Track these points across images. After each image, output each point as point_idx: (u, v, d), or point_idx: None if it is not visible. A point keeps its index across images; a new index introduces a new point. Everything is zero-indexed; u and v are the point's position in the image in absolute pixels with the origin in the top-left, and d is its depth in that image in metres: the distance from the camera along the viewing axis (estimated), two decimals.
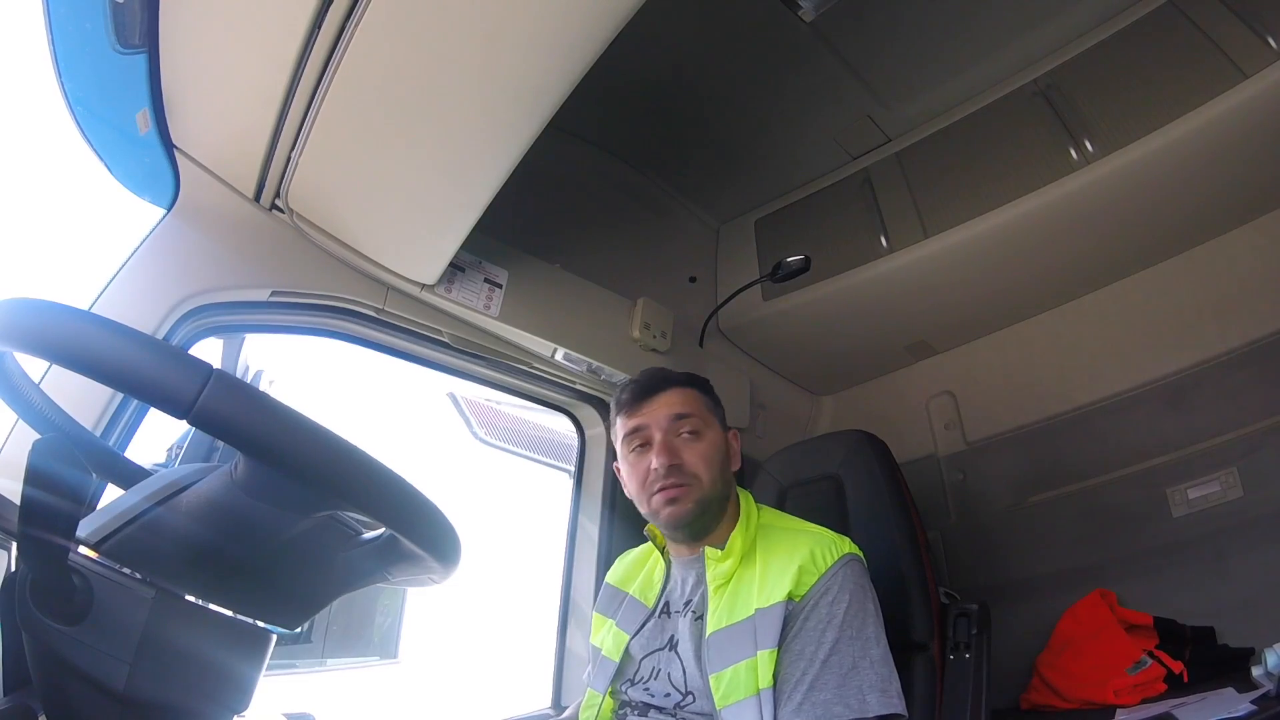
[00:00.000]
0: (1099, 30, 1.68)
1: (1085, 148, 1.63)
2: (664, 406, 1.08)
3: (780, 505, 1.44)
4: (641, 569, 1.20)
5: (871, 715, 0.88)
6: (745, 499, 1.12)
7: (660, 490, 1.04)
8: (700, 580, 1.07)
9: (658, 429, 1.06)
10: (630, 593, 1.18)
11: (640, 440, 1.08)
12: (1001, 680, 1.64)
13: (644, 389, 1.10)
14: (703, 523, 1.07)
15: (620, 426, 1.11)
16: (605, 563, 1.73)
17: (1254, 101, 1.47)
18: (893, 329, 2.17)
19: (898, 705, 0.90)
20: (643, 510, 1.10)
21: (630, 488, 1.11)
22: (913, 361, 2.30)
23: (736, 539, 1.04)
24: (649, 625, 1.11)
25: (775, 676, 0.92)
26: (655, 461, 1.04)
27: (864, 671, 0.90)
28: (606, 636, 1.15)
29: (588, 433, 1.94)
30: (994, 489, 2.09)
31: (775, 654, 0.92)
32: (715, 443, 1.08)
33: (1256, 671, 1.35)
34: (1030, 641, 1.81)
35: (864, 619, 0.95)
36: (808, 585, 0.95)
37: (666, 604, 1.12)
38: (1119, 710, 1.52)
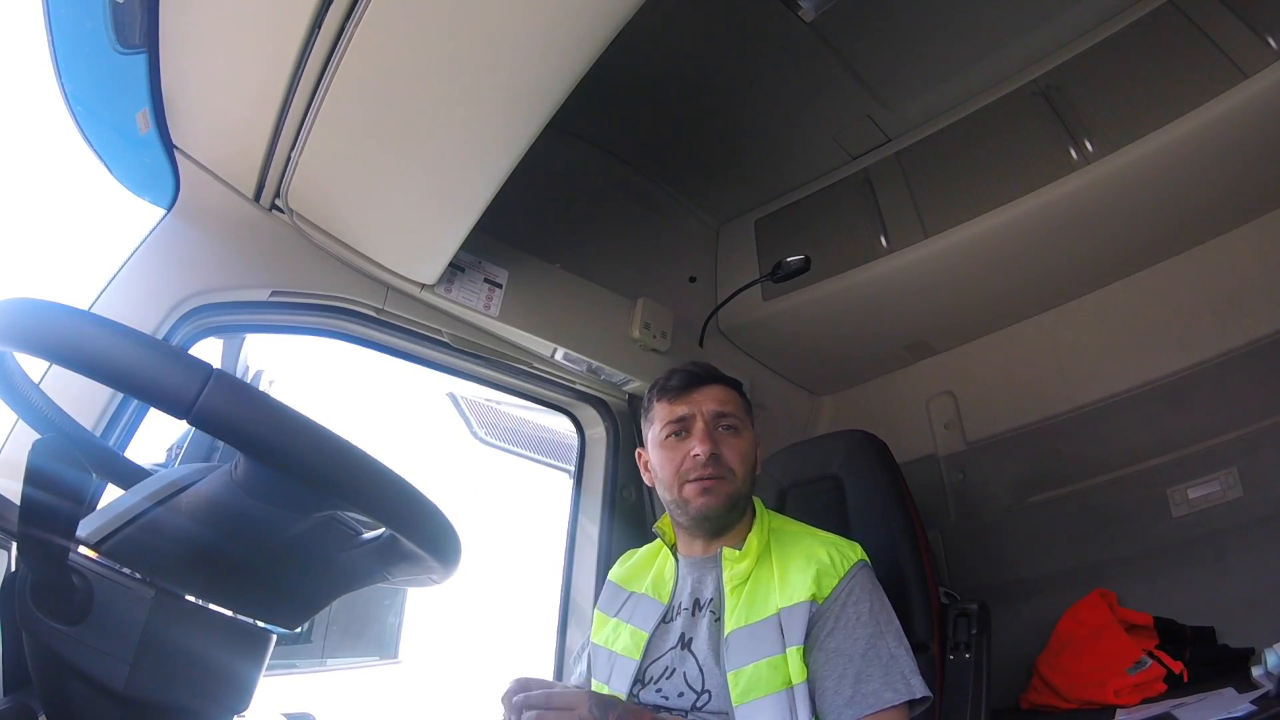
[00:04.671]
0: (1099, 30, 1.68)
1: (1085, 148, 1.63)
2: (710, 400, 1.10)
3: (780, 505, 1.44)
4: (649, 567, 1.20)
5: (917, 696, 0.93)
6: (758, 503, 1.16)
7: (697, 479, 1.06)
8: (714, 580, 1.08)
9: (701, 419, 1.09)
10: (640, 591, 1.17)
11: (681, 428, 1.10)
12: (1001, 680, 1.63)
13: (692, 378, 1.12)
14: (728, 519, 1.09)
15: (660, 412, 1.13)
16: (605, 563, 1.73)
17: (1254, 101, 1.47)
18: (893, 329, 2.17)
19: (928, 689, 0.95)
20: (668, 498, 1.11)
21: (661, 474, 1.12)
22: (913, 361, 2.30)
23: (753, 540, 1.07)
24: (664, 623, 1.11)
25: (809, 673, 0.95)
26: (698, 448, 1.06)
27: (901, 660, 0.95)
28: (619, 635, 1.13)
29: (588, 433, 1.94)
30: (994, 489, 2.09)
31: (801, 651, 0.96)
32: (750, 443, 1.12)
33: (1256, 671, 1.35)
34: (1030, 641, 1.80)
35: (889, 616, 1.00)
36: (829, 588, 0.99)
37: (678, 603, 1.12)
38: (1119, 710, 1.52)
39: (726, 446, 1.08)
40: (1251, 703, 1.28)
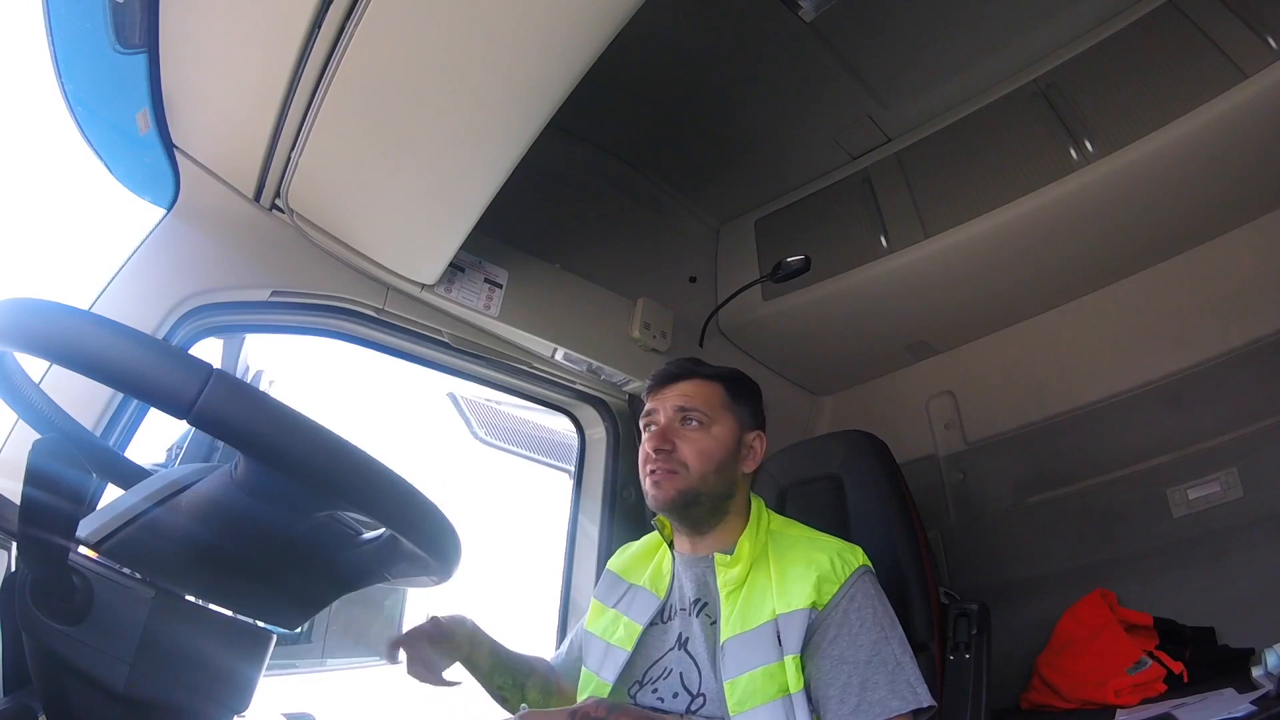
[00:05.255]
0: (1099, 30, 1.68)
1: (1085, 148, 1.63)
2: (675, 396, 1.11)
3: (780, 505, 1.44)
4: (649, 561, 1.19)
5: (924, 705, 0.92)
6: (757, 504, 1.13)
7: (649, 473, 1.07)
8: (709, 584, 1.07)
9: (664, 415, 1.10)
10: (639, 583, 1.16)
11: (650, 422, 1.12)
12: (1001, 680, 1.63)
13: (664, 377, 1.14)
14: (691, 515, 1.07)
15: (644, 408, 1.16)
16: (605, 562, 1.73)
17: (1254, 101, 1.47)
18: (893, 329, 2.17)
19: (934, 698, 0.94)
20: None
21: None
22: (913, 361, 2.30)
23: (745, 543, 1.05)
24: (661, 620, 1.10)
25: (807, 682, 0.94)
26: (649, 443, 1.08)
27: (907, 667, 0.94)
28: (616, 627, 1.13)
29: (588, 433, 1.94)
30: (994, 489, 2.09)
31: (798, 660, 0.94)
32: (720, 438, 1.08)
33: (1256, 671, 1.35)
34: (1030, 641, 1.80)
35: (893, 622, 0.98)
36: (829, 594, 0.97)
37: (675, 602, 1.11)
38: (1119, 710, 1.52)
39: (684, 441, 1.07)
40: (1251, 703, 1.28)
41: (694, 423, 1.08)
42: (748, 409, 1.14)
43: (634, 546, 1.26)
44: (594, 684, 1.10)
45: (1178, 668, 1.54)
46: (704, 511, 1.07)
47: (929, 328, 2.16)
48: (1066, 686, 1.66)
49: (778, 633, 0.96)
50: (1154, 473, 1.82)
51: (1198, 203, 1.72)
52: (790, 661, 0.93)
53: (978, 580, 2.00)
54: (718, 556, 1.05)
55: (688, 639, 1.05)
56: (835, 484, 1.39)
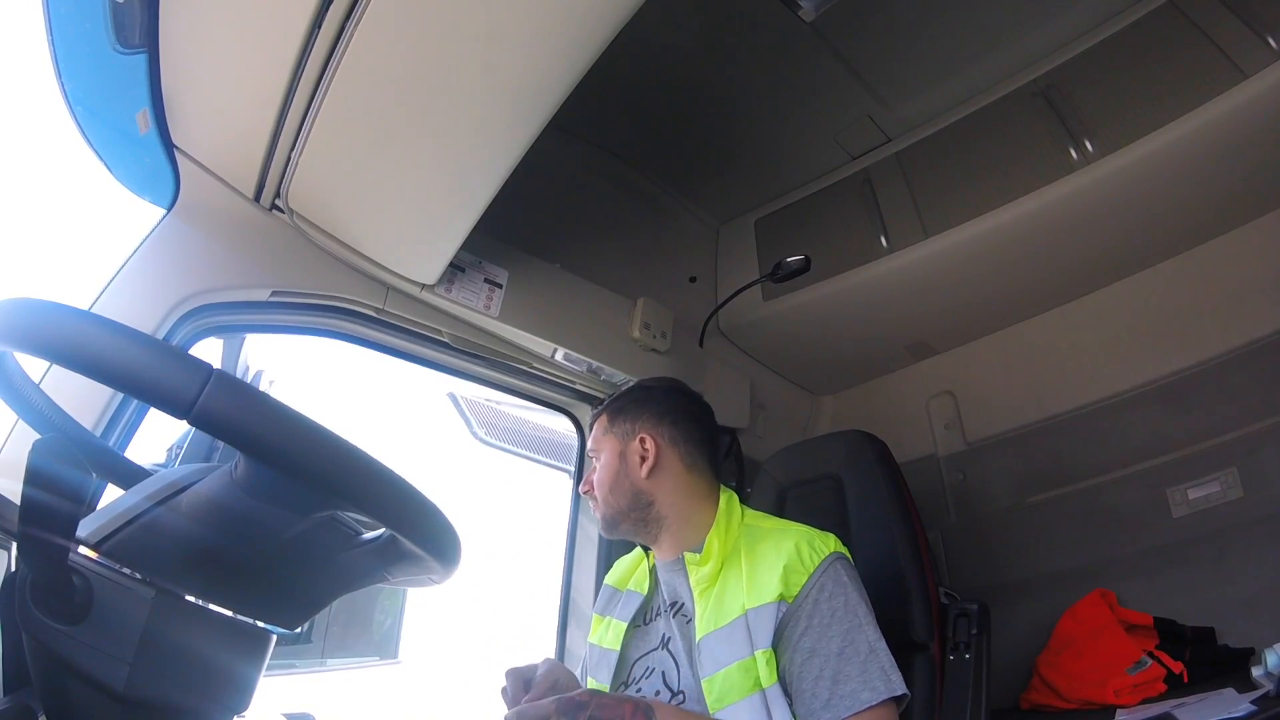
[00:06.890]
0: (1099, 30, 1.68)
1: (1085, 148, 1.63)
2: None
3: (780, 505, 1.45)
4: (635, 569, 1.22)
5: (898, 693, 0.91)
6: (727, 500, 1.12)
7: None
8: (682, 585, 1.08)
9: None
10: (628, 588, 1.20)
11: None
12: (1001, 680, 1.63)
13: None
14: (622, 532, 1.14)
15: None
16: (605, 563, 1.73)
17: (1254, 101, 1.47)
18: (893, 329, 2.17)
19: (907, 687, 0.94)
20: None
21: None
22: (913, 361, 2.30)
23: (713, 541, 1.06)
24: (644, 621, 1.13)
25: (782, 675, 0.94)
26: None
27: (880, 655, 0.94)
28: (608, 631, 1.17)
29: (588, 433, 1.94)
30: (994, 489, 2.09)
31: (771, 653, 0.94)
32: (605, 463, 1.15)
33: (1256, 671, 1.35)
34: (1030, 641, 1.80)
35: (866, 609, 0.98)
36: (798, 585, 0.97)
37: (658, 604, 1.13)
38: (1119, 710, 1.52)
39: (594, 474, 1.17)
40: (1251, 703, 1.28)
41: (595, 461, 1.18)
42: (626, 421, 1.17)
43: (625, 559, 1.29)
44: (593, 688, 1.12)
45: (1178, 668, 1.53)
46: (632, 525, 1.12)
47: (929, 328, 2.16)
48: (1066, 686, 1.66)
49: (748, 627, 0.96)
50: (1154, 473, 1.82)
51: (1197, 203, 1.72)
52: (761, 656, 0.94)
53: (977, 580, 2.00)
54: (687, 556, 1.07)
55: (670, 638, 1.07)
56: (835, 484, 1.39)
